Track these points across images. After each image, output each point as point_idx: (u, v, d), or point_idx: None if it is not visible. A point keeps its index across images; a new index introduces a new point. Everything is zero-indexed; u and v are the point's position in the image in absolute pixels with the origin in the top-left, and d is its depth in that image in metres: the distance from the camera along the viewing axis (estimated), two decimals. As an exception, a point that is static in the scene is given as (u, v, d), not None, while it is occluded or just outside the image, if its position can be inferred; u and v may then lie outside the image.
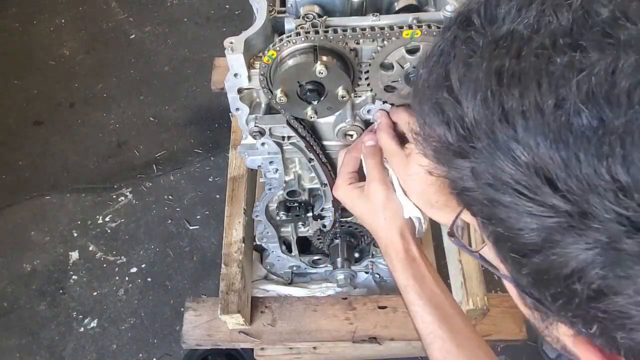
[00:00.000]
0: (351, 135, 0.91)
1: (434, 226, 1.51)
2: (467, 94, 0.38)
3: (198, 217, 1.93)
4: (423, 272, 0.81)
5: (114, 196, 1.99)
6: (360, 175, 0.89)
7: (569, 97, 0.33)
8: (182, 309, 1.32)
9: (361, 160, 0.89)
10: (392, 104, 0.85)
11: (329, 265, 1.36)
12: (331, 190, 1.05)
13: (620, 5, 0.34)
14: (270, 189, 1.09)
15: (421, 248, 0.84)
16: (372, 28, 0.74)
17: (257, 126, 0.89)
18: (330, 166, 1.00)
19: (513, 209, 0.36)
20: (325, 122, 0.92)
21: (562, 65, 0.34)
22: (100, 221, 1.93)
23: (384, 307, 1.28)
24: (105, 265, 1.83)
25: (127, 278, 1.80)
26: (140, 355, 1.67)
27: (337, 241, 1.25)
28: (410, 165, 0.78)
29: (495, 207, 0.38)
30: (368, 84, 0.81)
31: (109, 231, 1.90)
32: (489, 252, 0.46)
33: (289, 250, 1.33)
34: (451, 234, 0.55)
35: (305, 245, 1.35)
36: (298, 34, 0.73)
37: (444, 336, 0.76)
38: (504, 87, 0.36)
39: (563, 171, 0.33)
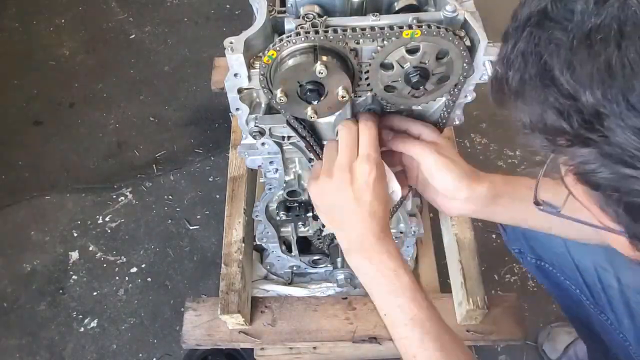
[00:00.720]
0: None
1: (434, 226, 1.51)
2: (582, 89, 0.42)
3: (198, 217, 1.93)
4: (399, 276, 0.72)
5: (114, 196, 1.99)
6: None
7: None
8: (182, 309, 1.32)
9: None
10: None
11: (329, 265, 1.36)
12: None
13: None
14: (270, 189, 1.09)
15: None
16: (372, 28, 0.73)
17: (257, 126, 0.89)
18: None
19: None
20: (325, 122, 0.92)
21: None
22: (100, 221, 1.93)
23: (384, 307, 1.28)
24: (105, 265, 1.83)
25: (127, 278, 1.80)
26: (140, 355, 1.67)
27: (337, 241, 1.25)
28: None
29: (626, 179, 0.42)
30: (368, 84, 0.81)
31: (109, 231, 1.90)
32: (574, 210, 0.52)
33: (289, 250, 1.33)
34: (537, 203, 0.59)
35: (305, 245, 1.35)
36: (298, 33, 0.73)
37: None
38: (619, 79, 0.40)
39: None
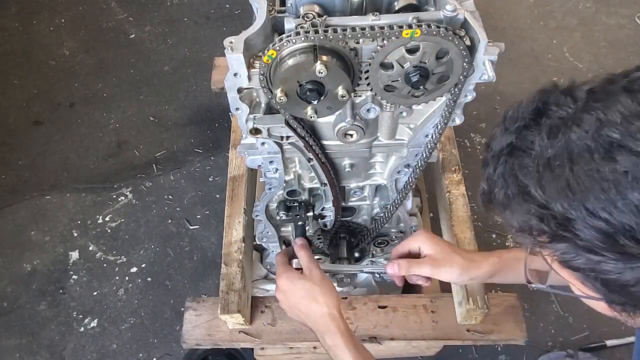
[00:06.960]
0: (351, 135, 0.91)
1: (434, 226, 1.51)
2: (553, 201, 0.56)
3: (198, 216, 1.93)
4: (358, 345, 0.95)
5: (114, 196, 1.99)
6: None
7: (625, 190, 0.52)
8: (182, 309, 1.32)
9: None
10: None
11: (329, 265, 1.36)
12: (332, 190, 1.05)
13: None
14: (270, 189, 1.09)
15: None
16: (372, 27, 0.73)
17: (255, 126, 0.88)
18: (330, 166, 1.00)
19: (613, 263, 0.55)
20: (325, 122, 0.92)
21: (610, 172, 0.52)
22: (100, 221, 1.93)
23: (384, 307, 1.28)
24: (105, 265, 1.83)
25: (127, 278, 1.80)
26: (140, 355, 1.67)
27: (337, 241, 1.25)
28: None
29: (598, 263, 0.56)
30: (368, 84, 0.81)
31: (109, 231, 1.91)
32: (559, 280, 0.66)
33: (289, 250, 1.33)
34: (529, 282, 0.75)
35: (305, 245, 1.35)
36: (298, 33, 0.73)
37: None
38: (578, 193, 0.54)
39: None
